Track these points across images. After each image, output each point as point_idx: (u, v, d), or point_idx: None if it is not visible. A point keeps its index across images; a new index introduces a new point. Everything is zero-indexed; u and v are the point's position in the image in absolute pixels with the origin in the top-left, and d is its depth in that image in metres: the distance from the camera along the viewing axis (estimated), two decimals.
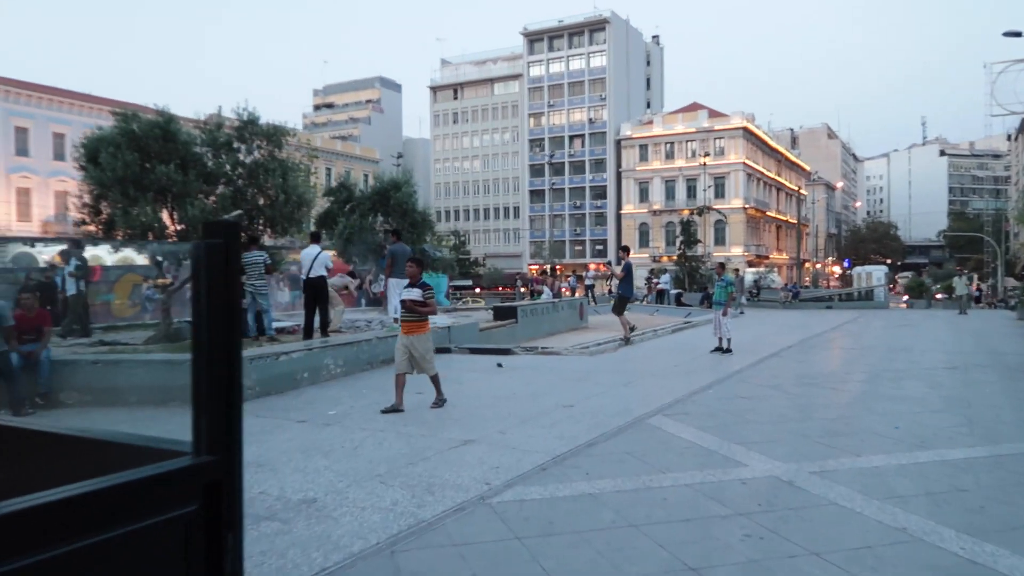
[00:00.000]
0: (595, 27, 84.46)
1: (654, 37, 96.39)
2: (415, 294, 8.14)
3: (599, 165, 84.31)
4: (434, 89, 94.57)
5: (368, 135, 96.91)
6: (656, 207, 78.08)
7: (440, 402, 8.33)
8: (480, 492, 5.20)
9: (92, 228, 11.62)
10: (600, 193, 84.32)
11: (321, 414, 8.06)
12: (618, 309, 15.04)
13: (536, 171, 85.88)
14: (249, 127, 12.32)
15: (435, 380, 8.46)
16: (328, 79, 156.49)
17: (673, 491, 5.19)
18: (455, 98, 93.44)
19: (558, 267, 73.16)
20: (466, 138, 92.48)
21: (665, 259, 69.55)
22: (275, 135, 12.43)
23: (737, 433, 6.98)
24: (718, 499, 4.98)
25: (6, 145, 49.51)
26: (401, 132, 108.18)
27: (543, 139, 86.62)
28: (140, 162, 11.28)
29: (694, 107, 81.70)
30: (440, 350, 13.29)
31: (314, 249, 11.82)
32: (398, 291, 12.39)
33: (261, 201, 12.09)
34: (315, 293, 11.80)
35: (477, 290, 66.28)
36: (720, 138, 76.99)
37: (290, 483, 5.49)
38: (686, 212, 61.72)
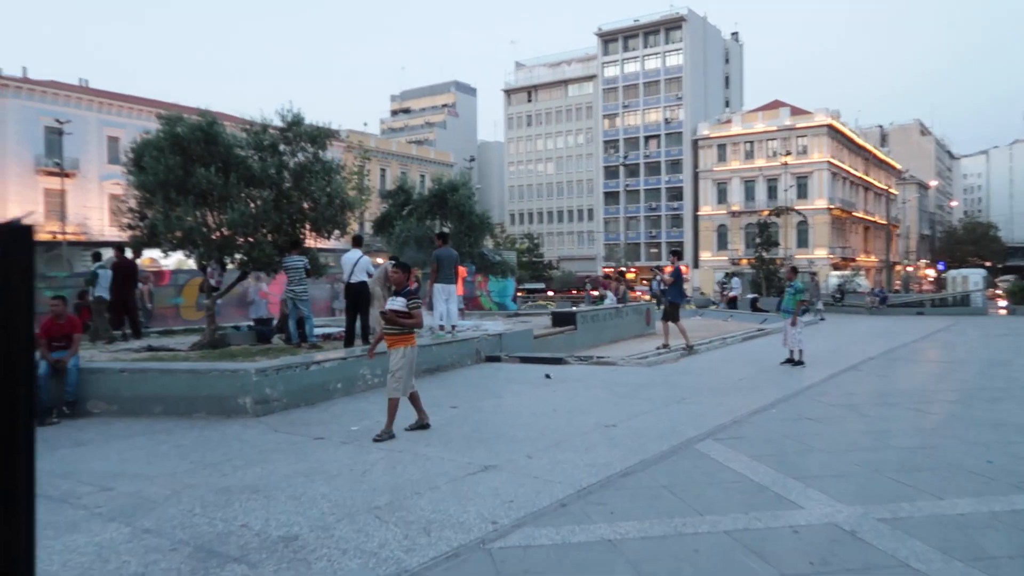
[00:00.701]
0: (671, 25, 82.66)
1: (733, 34, 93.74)
2: (398, 303, 7.22)
3: (675, 166, 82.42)
4: (508, 92, 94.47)
5: (443, 139, 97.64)
6: (735, 208, 75.69)
7: (385, 435, 6.97)
8: (483, 534, 4.53)
9: (137, 233, 11.50)
10: (676, 194, 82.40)
11: (342, 430, 7.54)
12: (671, 315, 14.11)
13: (611, 173, 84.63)
14: (293, 128, 12.00)
15: (392, 407, 7.12)
16: (405, 85, 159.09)
17: (708, 539, 4.39)
18: (529, 100, 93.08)
19: (629, 269, 71.72)
20: (540, 140, 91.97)
21: (744, 262, 67.20)
22: (319, 136, 12.07)
23: (796, 464, 6.08)
24: (761, 553, 4.16)
25: (100, 154, 51.99)
26: (476, 136, 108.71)
27: (618, 140, 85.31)
28: (183, 165, 11.08)
29: (775, 105, 78.89)
30: (490, 358, 12.74)
31: (355, 253, 11.38)
32: (444, 296, 11.89)
33: (304, 204, 11.73)
34: (356, 299, 11.37)
35: (550, 293, 65.63)
36: (803, 136, 74.03)
37: (278, 514, 4.94)
38: (766, 213, 59.33)
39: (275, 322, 14.17)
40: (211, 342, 11.94)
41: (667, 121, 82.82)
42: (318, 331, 13.75)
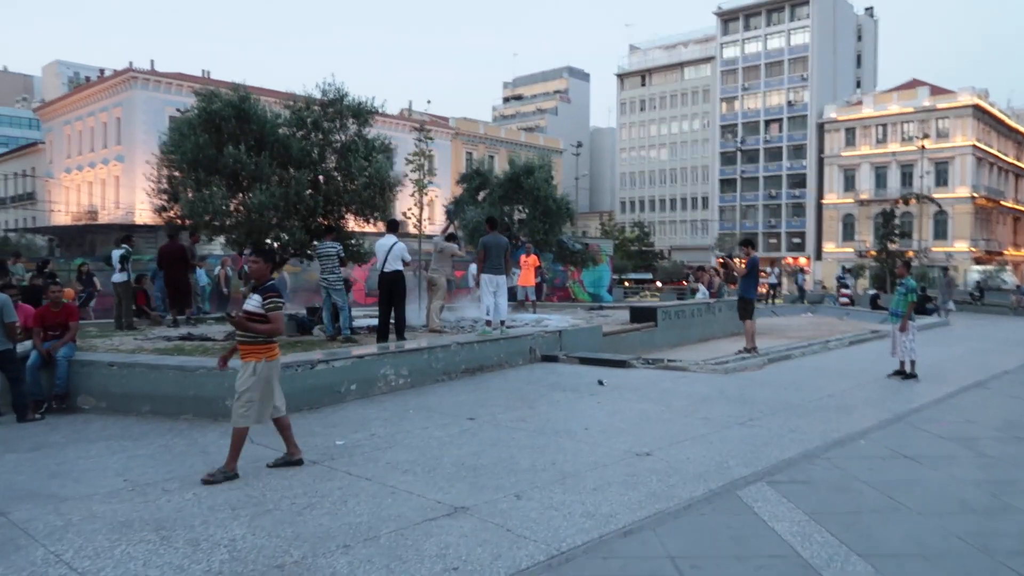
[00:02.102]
0: (797, 1, 77.56)
1: (867, 9, 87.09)
2: (253, 303, 5.55)
3: (798, 151, 77.56)
4: (621, 76, 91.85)
5: (555, 126, 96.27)
6: (864, 196, 70.36)
7: (220, 475, 5.34)
8: None
9: (172, 215, 10.89)
10: (799, 181, 77.56)
11: (326, 444, 6.45)
12: (743, 314, 12.38)
13: (727, 159, 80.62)
14: (335, 104, 11.06)
15: (237, 439, 5.46)
16: (518, 71, 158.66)
17: None
18: (643, 85, 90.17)
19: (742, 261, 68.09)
20: (653, 126, 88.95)
21: (871, 254, 62.38)
22: (362, 113, 11.07)
23: (870, 532, 4.46)
24: None
25: None
26: (588, 122, 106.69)
27: (736, 125, 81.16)
28: (215, 144, 10.35)
29: (913, 84, 72.68)
30: (546, 358, 11.43)
31: (389, 239, 10.31)
32: (491, 288, 10.68)
33: (346, 186, 10.77)
34: (391, 289, 10.30)
35: (658, 284, 63.27)
36: (944, 118, 67.79)
37: (157, 569, 3.87)
38: (897, 202, 54.57)
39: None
40: None
41: (790, 104, 78.00)
42: (366, 322, 12.86)
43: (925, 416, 7.92)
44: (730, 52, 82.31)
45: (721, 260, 15.15)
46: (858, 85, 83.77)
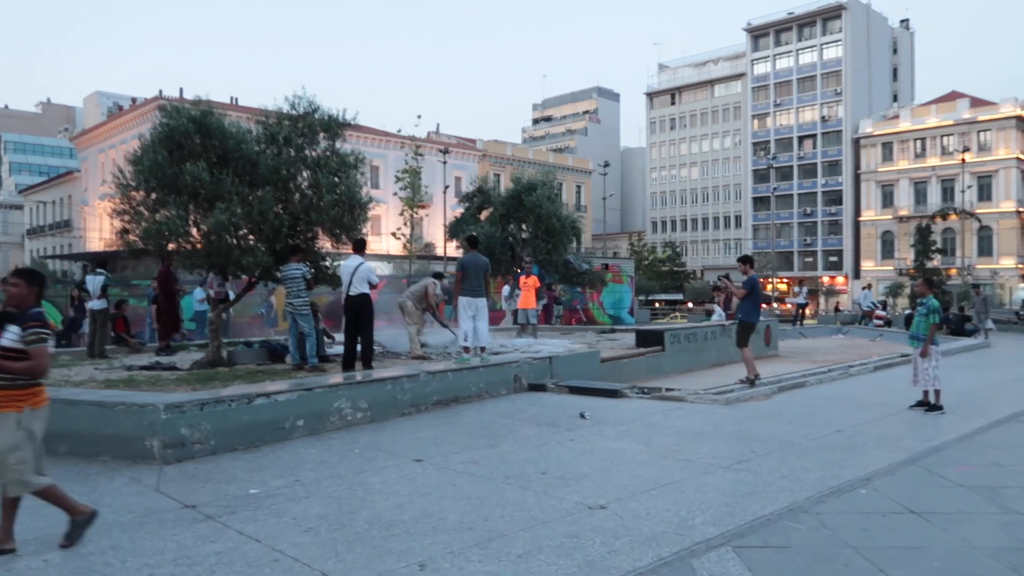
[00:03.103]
0: (830, 15, 76.19)
1: (903, 21, 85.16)
2: (10, 336, 4.32)
3: (833, 167, 75.76)
4: (650, 95, 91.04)
5: (585, 146, 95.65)
6: (903, 212, 68.27)
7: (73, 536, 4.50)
8: None
9: (133, 237, 10.28)
10: (834, 198, 75.68)
11: (234, 494, 5.63)
12: (740, 340, 11.17)
13: (760, 176, 78.99)
14: (306, 118, 10.40)
15: (9, 506, 4.41)
16: (548, 92, 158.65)
17: None
18: (672, 103, 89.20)
19: (780, 280, 66.26)
20: (684, 144, 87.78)
21: (913, 272, 60.35)
22: (332, 126, 10.39)
23: None
24: None
25: None
26: (619, 142, 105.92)
27: (768, 141, 79.65)
28: (176, 161, 9.73)
29: (952, 96, 70.64)
30: (533, 387, 10.55)
31: (354, 260, 9.57)
32: (470, 312, 9.86)
33: (313, 203, 10.06)
34: (357, 313, 9.54)
35: (689, 305, 61.87)
36: (985, 130, 65.64)
37: None
38: (937, 218, 52.55)
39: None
40: (212, 360, 10.54)
41: (824, 119, 76.33)
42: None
43: (945, 458, 6.85)
44: (761, 68, 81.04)
45: (716, 286, 14.08)
46: (895, 99, 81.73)
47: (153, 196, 9.73)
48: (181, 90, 56.75)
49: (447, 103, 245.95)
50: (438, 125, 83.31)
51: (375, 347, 12.28)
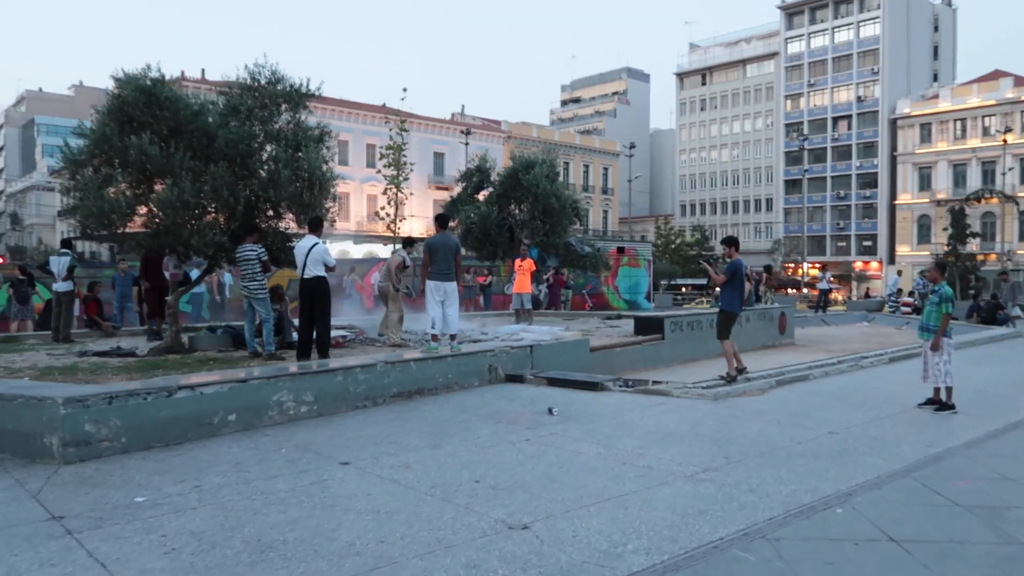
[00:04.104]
0: None
1: None
2: None
3: (868, 149, 73.46)
4: (680, 76, 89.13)
5: (613, 128, 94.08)
6: (940, 196, 65.94)
7: None
8: None
9: (80, 219, 9.67)
10: (869, 181, 73.45)
11: (116, 502, 4.99)
12: (721, 332, 10.17)
13: (793, 159, 76.89)
14: (267, 89, 9.70)
15: None
16: (576, 73, 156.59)
17: None
18: (703, 84, 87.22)
19: (813, 266, 64.45)
20: (714, 126, 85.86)
21: (952, 258, 58.41)
22: (294, 98, 9.68)
23: None
24: None
25: (359, 159, 56.52)
26: (648, 123, 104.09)
27: (801, 123, 77.48)
28: (125, 135, 9.10)
29: (995, 75, 67.89)
30: (512, 378, 9.83)
31: (308, 240, 8.89)
32: (438, 297, 9.14)
33: (272, 179, 9.37)
34: (311, 298, 8.86)
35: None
36: None
37: None
38: (972, 201, 50.46)
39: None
40: (169, 347, 9.96)
41: (860, 99, 73.96)
42: (335, 334, 11.46)
43: (946, 468, 5.97)
44: (795, 47, 78.73)
45: (701, 259, 13.11)
46: (935, 78, 78.85)
47: (101, 172, 9.10)
48: (203, 71, 56.65)
49: (475, 86, 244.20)
50: (463, 107, 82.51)
51: (347, 333, 11.64)
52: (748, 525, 4.56)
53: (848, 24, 74.82)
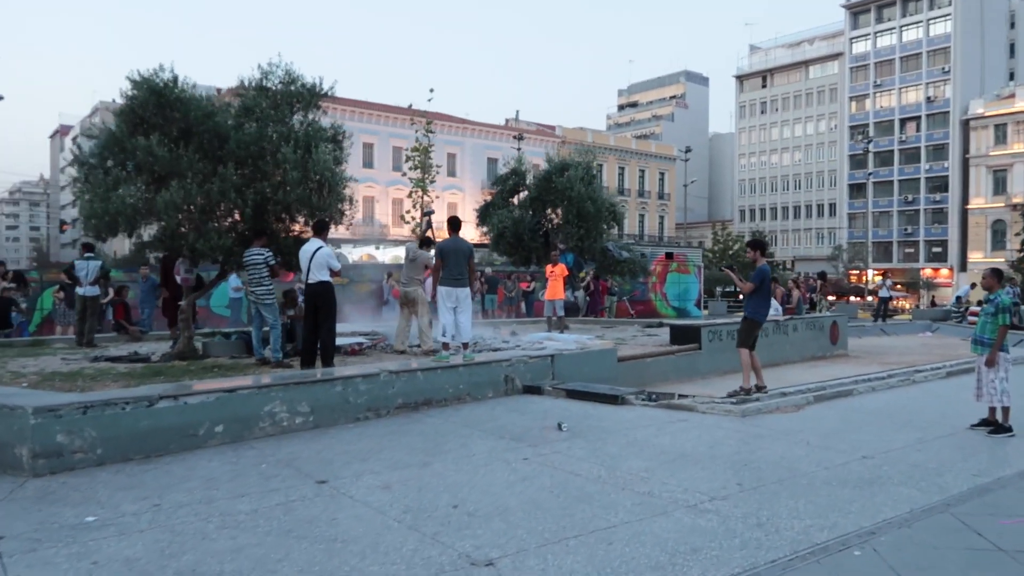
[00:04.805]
0: None
1: None
2: None
3: (938, 152, 70.48)
4: (740, 78, 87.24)
5: (671, 132, 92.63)
6: (1016, 200, 62.73)
7: None
8: None
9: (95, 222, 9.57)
10: (939, 185, 70.46)
11: (65, 522, 4.68)
12: (743, 340, 9.37)
13: (857, 162, 74.29)
14: (277, 90, 9.45)
15: None
16: (634, 78, 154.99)
17: None
18: (764, 86, 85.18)
19: (880, 272, 61.96)
20: (775, 129, 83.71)
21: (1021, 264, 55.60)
22: (304, 98, 9.41)
23: None
24: None
25: (354, 158, 56.60)
26: (707, 127, 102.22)
27: (867, 125, 74.86)
28: (136, 136, 8.96)
29: None
30: (529, 389, 9.35)
31: (312, 244, 8.57)
32: (450, 303, 8.73)
33: (283, 181, 9.11)
34: (315, 303, 8.53)
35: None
36: None
37: None
38: None
39: None
40: (181, 353, 9.78)
41: (929, 100, 71.06)
42: (348, 340, 11.18)
43: (993, 502, 5.23)
44: (860, 47, 76.18)
45: (724, 265, 12.23)
46: (1011, 77, 75.18)
47: (111, 174, 8.98)
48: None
49: (533, 92, 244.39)
50: (517, 112, 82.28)
51: (364, 340, 11.32)
52: (746, 568, 3.97)
53: (917, 22, 72.03)
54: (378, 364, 8.69)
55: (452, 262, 8.80)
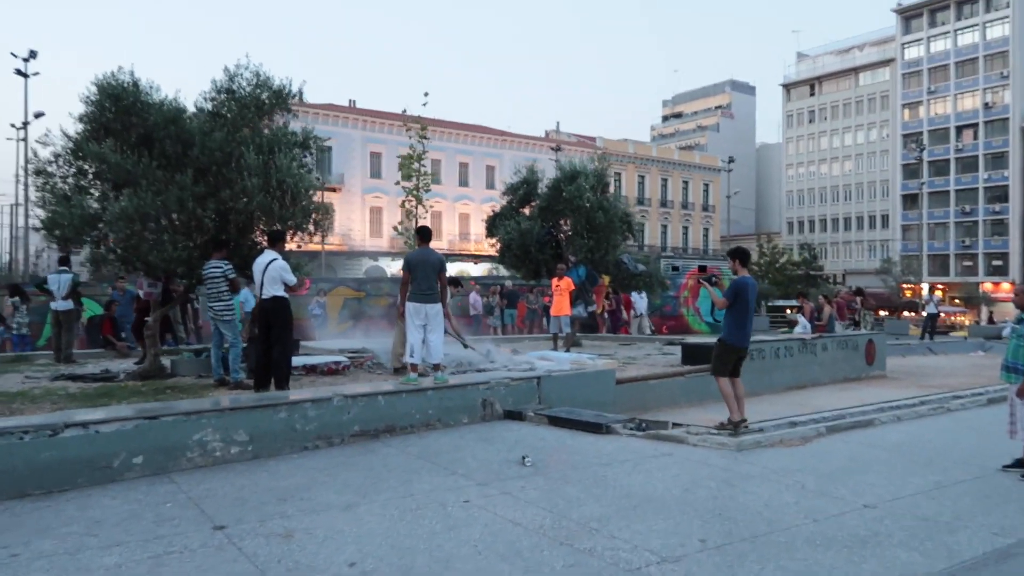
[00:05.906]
0: None
1: None
2: None
3: (997, 160, 67.49)
4: (787, 87, 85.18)
5: (716, 143, 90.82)
6: None
7: None
8: None
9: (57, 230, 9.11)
10: (999, 195, 67.42)
11: None
12: (717, 367, 8.08)
13: (911, 172, 71.59)
14: (251, 94, 8.89)
15: None
16: (679, 88, 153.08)
17: None
18: (811, 94, 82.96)
19: (935, 287, 59.35)
20: (824, 138, 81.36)
21: None
22: (271, 103, 8.83)
23: None
24: None
25: (363, 168, 55.85)
26: (754, 137, 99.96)
27: (920, 133, 72.14)
28: (94, 141, 8.50)
29: None
30: (510, 415, 8.57)
31: (266, 256, 7.90)
32: (419, 320, 8.00)
33: (244, 189, 8.51)
34: (267, 320, 7.87)
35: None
36: None
37: None
38: None
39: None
40: (145, 371, 9.23)
41: (987, 106, 68.14)
42: (326, 359, 10.54)
43: (1013, 573, 4.25)
44: (913, 52, 73.60)
45: (702, 277, 10.95)
46: None
47: (69, 182, 8.51)
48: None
49: (576, 104, 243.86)
50: (557, 124, 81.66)
51: (343, 359, 10.65)
52: None
53: (973, 26, 69.27)
54: (335, 388, 7.98)
55: (421, 275, 8.06)
